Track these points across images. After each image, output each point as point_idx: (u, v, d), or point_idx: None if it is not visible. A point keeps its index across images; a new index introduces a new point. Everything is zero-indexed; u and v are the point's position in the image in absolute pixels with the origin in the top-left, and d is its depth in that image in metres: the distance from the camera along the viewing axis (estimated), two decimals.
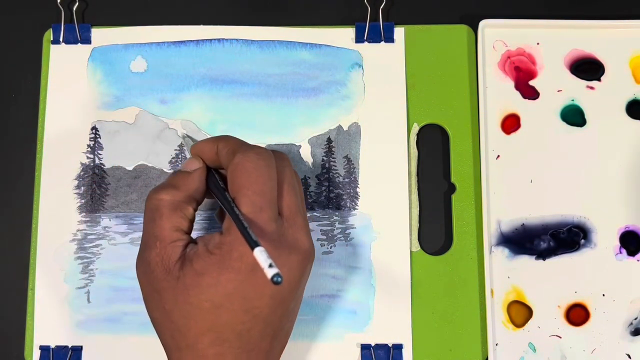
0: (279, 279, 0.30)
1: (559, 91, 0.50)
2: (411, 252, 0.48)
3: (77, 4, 0.51)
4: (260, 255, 0.31)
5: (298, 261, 0.37)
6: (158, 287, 0.35)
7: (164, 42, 0.50)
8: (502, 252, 0.48)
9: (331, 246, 0.48)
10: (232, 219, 0.35)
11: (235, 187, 0.36)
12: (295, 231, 0.37)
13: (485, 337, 0.47)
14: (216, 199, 0.38)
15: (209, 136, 0.49)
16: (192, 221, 0.39)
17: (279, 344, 0.37)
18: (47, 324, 0.47)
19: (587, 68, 0.50)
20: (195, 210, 0.39)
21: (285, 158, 0.40)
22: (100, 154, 0.49)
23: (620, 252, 0.48)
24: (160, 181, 0.49)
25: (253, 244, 0.32)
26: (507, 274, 0.48)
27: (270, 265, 0.31)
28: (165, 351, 0.37)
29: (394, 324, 0.47)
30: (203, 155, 0.40)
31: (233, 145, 0.38)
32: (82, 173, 0.49)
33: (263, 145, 0.49)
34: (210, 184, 0.39)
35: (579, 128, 0.50)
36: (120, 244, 0.48)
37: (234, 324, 0.34)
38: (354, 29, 0.50)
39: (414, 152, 0.49)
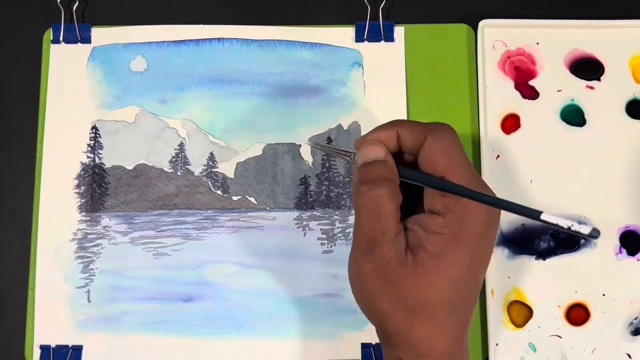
0: (597, 234, 0.31)
1: (558, 91, 0.50)
2: None
3: (77, 3, 0.51)
4: (555, 219, 0.32)
5: (498, 224, 0.38)
6: (394, 279, 0.35)
7: (163, 42, 0.50)
8: (502, 252, 0.48)
9: (331, 245, 0.48)
10: (471, 198, 0.35)
11: (439, 168, 0.36)
12: (490, 193, 0.38)
13: (486, 337, 0.47)
14: (421, 184, 0.37)
15: (209, 136, 0.49)
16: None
17: (475, 305, 0.39)
18: (47, 324, 0.47)
19: (587, 68, 0.50)
20: None
21: (455, 130, 0.39)
22: (100, 154, 0.49)
23: (620, 252, 0.48)
24: (161, 180, 0.49)
25: (535, 213, 0.32)
26: (507, 274, 0.48)
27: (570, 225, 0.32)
28: (386, 334, 0.37)
29: None
30: (382, 142, 0.39)
31: (417, 127, 0.37)
32: (82, 172, 0.49)
33: (262, 146, 0.49)
34: (407, 174, 0.38)
35: (579, 128, 0.50)
36: (121, 244, 0.48)
37: (464, 292, 0.36)
38: (354, 28, 0.50)
39: None
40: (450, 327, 0.36)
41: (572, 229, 0.31)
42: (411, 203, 0.38)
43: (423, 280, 0.35)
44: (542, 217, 0.32)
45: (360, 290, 0.37)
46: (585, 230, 0.31)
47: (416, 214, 0.37)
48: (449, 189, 0.35)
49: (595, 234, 0.31)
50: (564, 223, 0.31)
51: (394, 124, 0.38)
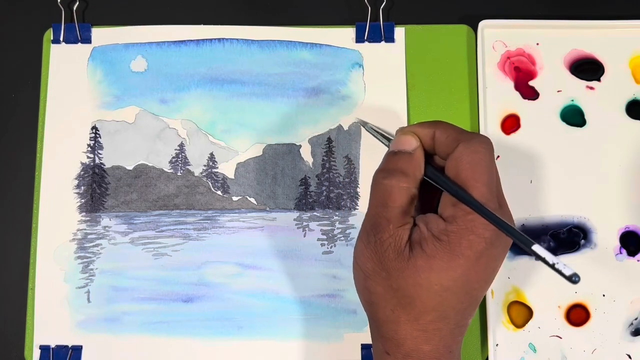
0: (577, 279, 0.32)
1: (558, 91, 0.50)
2: None
3: (77, 3, 0.51)
4: (543, 252, 0.33)
5: (507, 247, 0.38)
6: (388, 267, 0.36)
7: (164, 42, 0.50)
8: None
9: (331, 246, 0.48)
10: (479, 213, 0.35)
11: (461, 178, 0.36)
12: (507, 220, 0.38)
13: (486, 337, 0.47)
14: (440, 186, 0.37)
15: (209, 136, 0.49)
16: (415, 203, 0.39)
17: (472, 317, 0.39)
18: (47, 324, 0.47)
19: (587, 68, 0.50)
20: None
21: (492, 144, 0.39)
22: (100, 154, 0.49)
23: (620, 252, 0.48)
24: (160, 181, 0.49)
25: (529, 243, 0.34)
26: (507, 275, 0.48)
27: (556, 264, 0.33)
28: (376, 322, 0.38)
29: None
30: (419, 137, 0.39)
31: (453, 132, 0.38)
32: (82, 173, 0.49)
33: (263, 146, 0.49)
34: (430, 173, 0.38)
35: (579, 128, 0.50)
36: (120, 244, 0.48)
37: (455, 303, 0.36)
38: (355, 28, 0.50)
39: None
40: (438, 333, 0.36)
41: (556, 266, 0.33)
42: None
43: (412, 276, 0.35)
44: (533, 247, 0.34)
45: (358, 266, 0.38)
46: (567, 272, 0.33)
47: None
48: (458, 196, 0.36)
49: (575, 278, 0.32)
50: (551, 259, 0.33)
51: (435, 123, 0.39)
